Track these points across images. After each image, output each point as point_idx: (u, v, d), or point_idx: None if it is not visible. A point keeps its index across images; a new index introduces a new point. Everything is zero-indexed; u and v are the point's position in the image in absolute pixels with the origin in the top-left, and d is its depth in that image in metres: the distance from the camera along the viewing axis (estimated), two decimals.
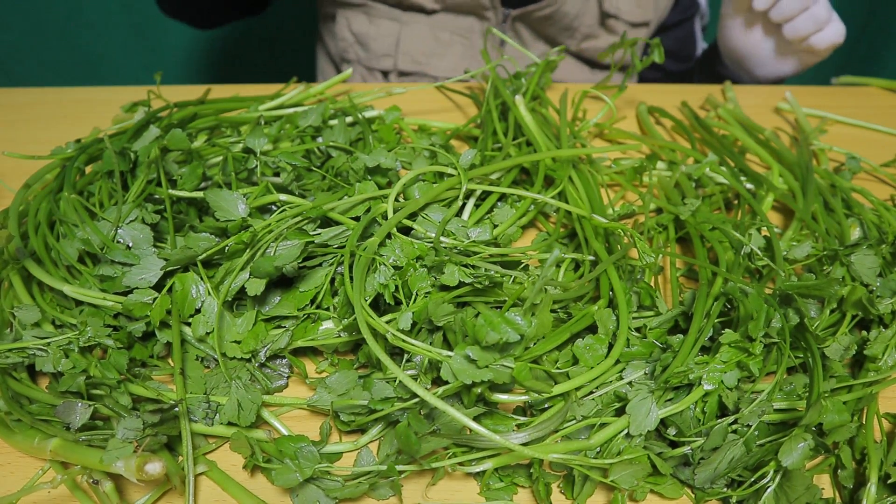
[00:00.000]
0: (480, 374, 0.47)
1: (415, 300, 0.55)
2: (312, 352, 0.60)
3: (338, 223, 0.59)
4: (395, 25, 1.13)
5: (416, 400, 0.50)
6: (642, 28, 1.17)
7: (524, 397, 0.52)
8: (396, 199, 0.60)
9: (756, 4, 0.95)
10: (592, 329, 0.57)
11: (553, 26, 1.13)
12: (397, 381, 0.52)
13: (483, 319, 0.47)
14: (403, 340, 0.50)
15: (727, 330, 0.54)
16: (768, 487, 0.49)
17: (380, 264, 0.56)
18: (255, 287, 0.54)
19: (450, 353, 0.48)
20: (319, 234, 0.58)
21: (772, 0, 0.94)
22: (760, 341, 0.52)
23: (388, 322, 0.53)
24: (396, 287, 0.55)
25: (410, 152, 0.73)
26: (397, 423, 0.50)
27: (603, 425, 0.52)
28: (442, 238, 0.58)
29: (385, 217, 0.59)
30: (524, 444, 0.47)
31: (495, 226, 0.64)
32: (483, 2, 1.09)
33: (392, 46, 1.14)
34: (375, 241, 0.55)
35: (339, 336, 0.56)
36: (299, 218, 0.57)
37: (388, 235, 0.57)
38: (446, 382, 0.49)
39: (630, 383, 0.53)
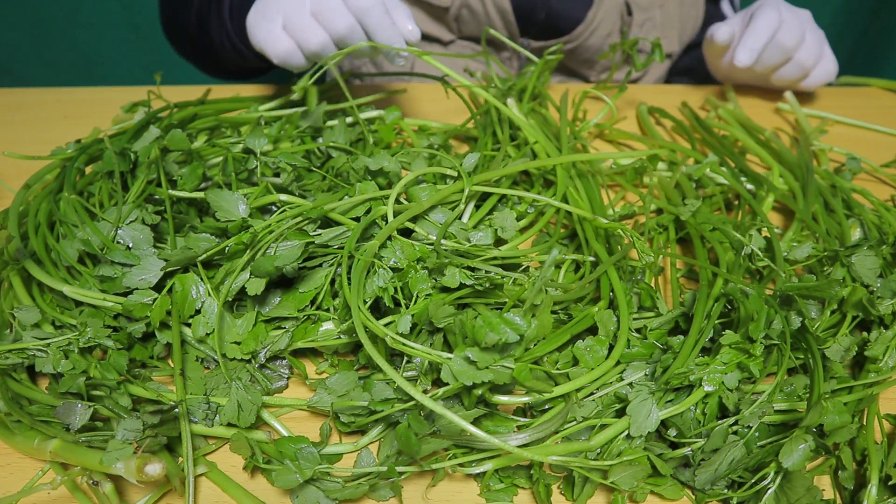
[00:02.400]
0: (480, 375, 0.47)
1: (415, 302, 0.55)
2: (312, 353, 0.60)
3: (338, 224, 0.59)
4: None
5: (416, 401, 0.50)
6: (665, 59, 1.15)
7: (525, 398, 0.52)
8: (397, 200, 0.60)
9: (737, 62, 0.87)
10: (593, 330, 0.57)
11: (574, 60, 1.12)
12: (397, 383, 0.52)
13: (482, 320, 0.47)
14: (403, 344, 0.50)
15: (728, 331, 0.54)
16: (769, 489, 0.49)
17: (378, 267, 0.55)
18: (256, 287, 0.54)
19: (450, 355, 0.48)
20: (320, 234, 0.58)
21: (751, 58, 0.86)
22: (761, 342, 0.52)
23: (387, 324, 0.53)
24: (396, 290, 0.55)
25: (410, 153, 0.73)
26: (397, 425, 0.50)
27: (603, 426, 0.52)
28: (442, 240, 0.58)
29: (385, 219, 0.59)
30: (524, 446, 0.47)
31: (496, 229, 0.63)
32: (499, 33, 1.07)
33: (406, 68, 1.13)
34: (375, 244, 0.55)
35: (339, 337, 0.56)
36: (299, 218, 0.57)
37: (389, 237, 0.57)
38: (447, 383, 0.49)
39: (630, 384, 0.53)
